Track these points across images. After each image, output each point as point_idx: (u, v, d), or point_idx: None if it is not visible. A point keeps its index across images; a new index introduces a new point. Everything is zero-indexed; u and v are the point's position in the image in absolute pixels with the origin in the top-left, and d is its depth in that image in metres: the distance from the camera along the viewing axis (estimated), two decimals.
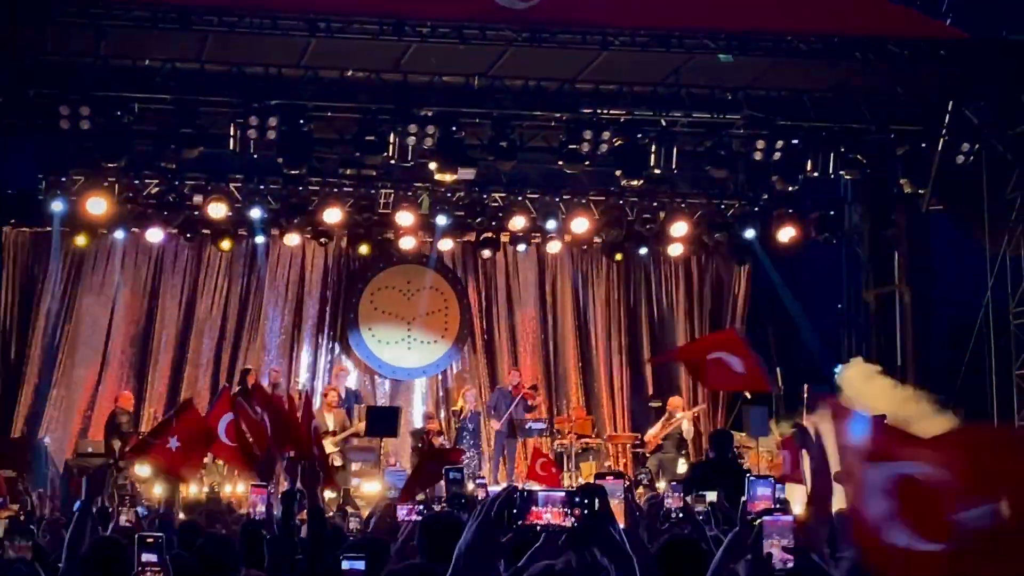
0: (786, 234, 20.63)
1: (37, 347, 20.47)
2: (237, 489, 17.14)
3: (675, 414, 19.52)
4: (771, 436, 18.71)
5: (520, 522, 3.64)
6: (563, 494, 3.67)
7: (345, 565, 5.62)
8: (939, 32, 18.54)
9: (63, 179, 19.38)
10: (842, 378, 18.75)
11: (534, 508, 3.65)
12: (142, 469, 17.30)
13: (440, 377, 22.14)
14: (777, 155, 19.14)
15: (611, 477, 4.27)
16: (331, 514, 10.37)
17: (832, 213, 21.20)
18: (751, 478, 5.93)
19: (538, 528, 3.68)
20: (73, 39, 17.31)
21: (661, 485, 15.78)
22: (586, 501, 3.66)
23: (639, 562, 3.82)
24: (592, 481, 4.51)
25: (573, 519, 3.66)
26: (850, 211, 21.79)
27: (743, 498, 5.69)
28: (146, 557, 5.38)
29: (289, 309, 21.57)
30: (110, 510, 9.95)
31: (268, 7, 17.10)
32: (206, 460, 16.30)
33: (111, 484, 15.64)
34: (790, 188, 19.84)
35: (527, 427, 19.97)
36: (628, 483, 9.42)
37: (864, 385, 17.95)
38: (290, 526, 7.57)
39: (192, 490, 16.10)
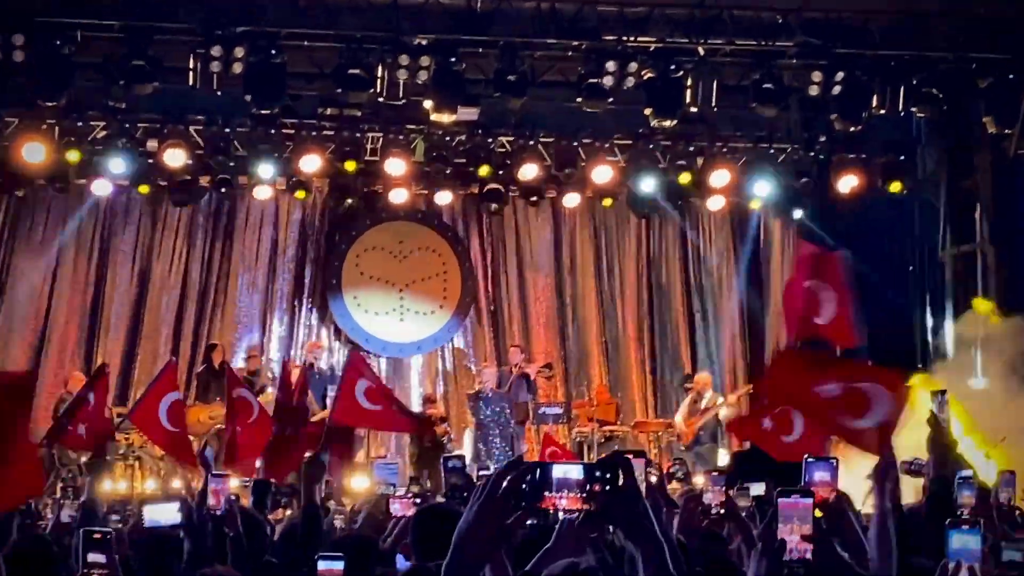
0: (847, 183, 20.55)
1: None
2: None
3: (704, 394, 19.55)
4: None
5: (531, 503, 3.60)
6: (581, 472, 3.62)
7: (321, 566, 5.62)
8: None
9: None
10: None
11: (547, 494, 3.61)
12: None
13: (440, 353, 22.21)
14: (836, 90, 19.01)
15: (630, 455, 4.24)
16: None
17: (902, 158, 21.10)
18: (809, 460, 5.90)
19: (550, 513, 3.65)
20: None
21: (699, 480, 15.81)
22: (608, 476, 3.62)
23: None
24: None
25: (592, 502, 3.63)
26: (924, 156, 21.67)
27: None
28: (92, 557, 5.31)
29: (261, 274, 21.64)
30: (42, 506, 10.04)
31: None
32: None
33: (53, 475, 15.74)
34: (852, 129, 19.69)
35: (540, 412, 19.96)
36: (648, 462, 9.45)
37: None
38: (258, 522, 7.64)
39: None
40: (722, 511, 8.14)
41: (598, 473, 3.62)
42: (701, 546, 6.50)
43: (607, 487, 3.61)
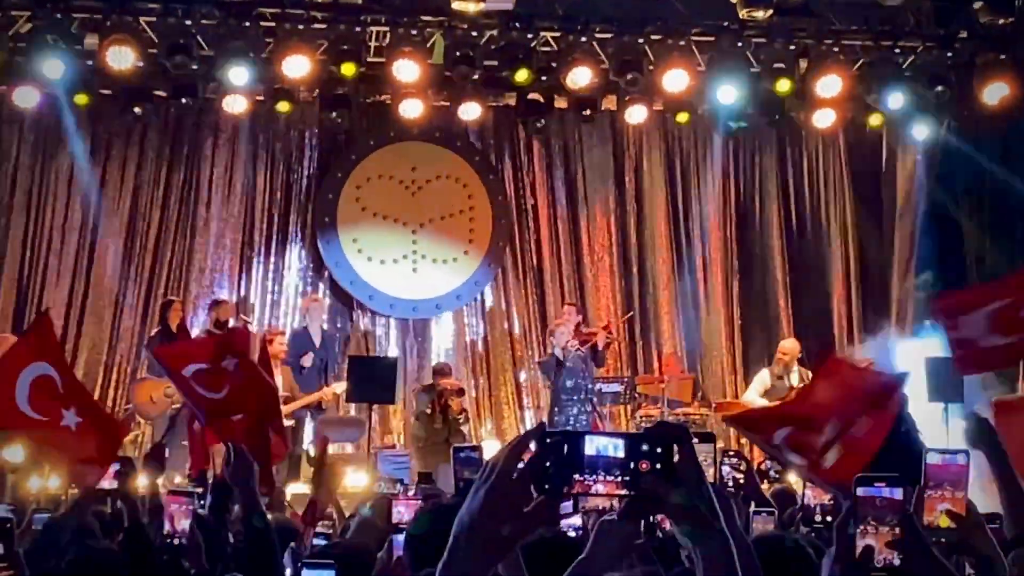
0: (995, 93, 20.39)
1: None
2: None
3: (792, 368, 19.52)
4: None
5: (556, 488, 3.36)
6: (623, 447, 3.37)
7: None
8: None
9: None
10: None
11: (577, 476, 3.38)
12: (12, 452, 17.42)
13: (465, 311, 22.31)
14: None
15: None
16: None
17: None
18: (929, 452, 5.81)
19: (582, 509, 3.52)
20: None
21: (792, 478, 15.74)
22: (659, 451, 3.39)
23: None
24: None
25: (636, 487, 3.40)
26: None
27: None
28: None
29: (232, 210, 21.65)
30: None
31: None
32: None
33: None
34: (1001, 22, 19.62)
35: (597, 389, 19.94)
36: (737, 454, 9.43)
37: None
38: (220, 538, 7.68)
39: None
40: (828, 517, 8.14)
41: (645, 447, 3.36)
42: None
43: (657, 466, 3.35)
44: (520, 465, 3.33)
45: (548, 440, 3.35)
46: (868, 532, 4.51)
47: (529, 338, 21.87)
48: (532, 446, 3.31)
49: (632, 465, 3.34)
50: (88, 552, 6.89)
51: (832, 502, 8.32)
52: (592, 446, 3.36)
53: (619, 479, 3.35)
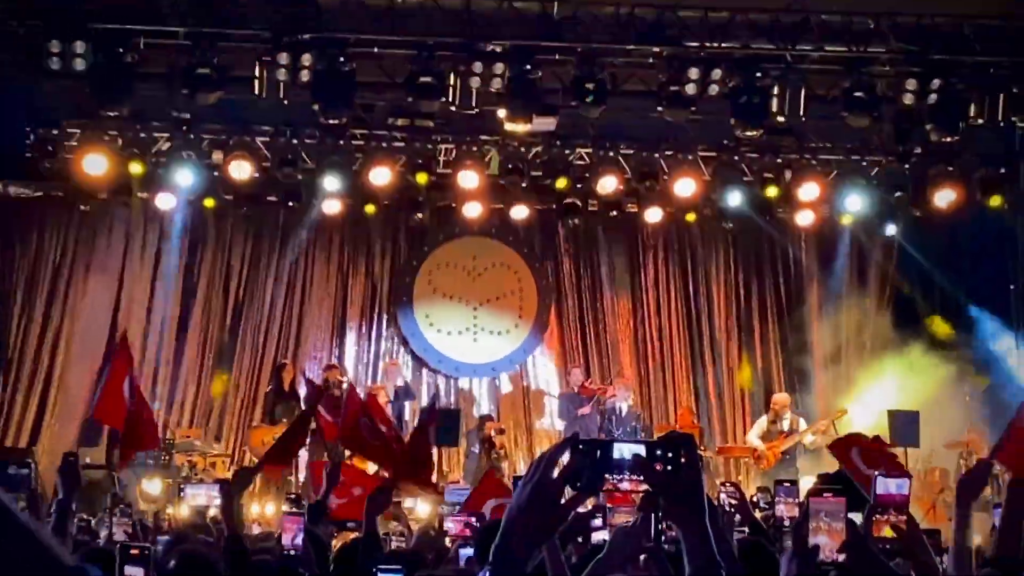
0: (944, 198, 20.29)
1: (24, 336, 20.79)
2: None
3: (783, 416, 19.41)
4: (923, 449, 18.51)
5: (589, 486, 3.53)
6: (643, 452, 3.53)
7: None
8: None
9: (55, 132, 19.52)
10: None
11: (607, 476, 3.54)
12: (151, 486, 17.46)
13: (515, 372, 22.25)
14: (932, 98, 18.77)
15: None
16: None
17: (1002, 171, 20.81)
18: (879, 475, 5.68)
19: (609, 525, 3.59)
20: None
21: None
22: (670, 455, 3.54)
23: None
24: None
25: (652, 483, 3.54)
26: None
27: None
28: (129, 571, 5.60)
29: (331, 291, 21.70)
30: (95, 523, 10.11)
31: None
32: None
33: (109, 498, 15.74)
34: (948, 140, 19.47)
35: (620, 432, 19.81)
36: (734, 486, 9.35)
37: None
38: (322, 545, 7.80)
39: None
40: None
41: (659, 452, 3.56)
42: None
43: (668, 467, 3.55)
44: (557, 469, 3.46)
45: (581, 447, 3.54)
46: (820, 531, 4.57)
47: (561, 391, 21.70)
48: (567, 455, 3.47)
49: (650, 465, 3.53)
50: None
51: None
52: (619, 451, 3.56)
53: (640, 477, 3.53)
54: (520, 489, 3.46)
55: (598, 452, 3.57)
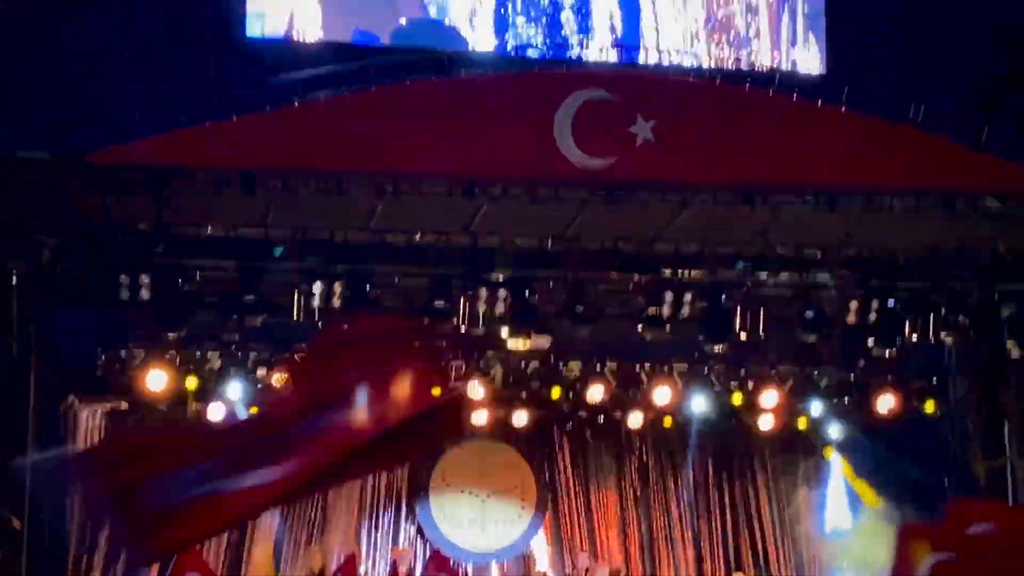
0: (885, 404, 20.17)
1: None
2: None
3: None
4: None
5: None
6: None
7: None
8: None
9: (122, 352, 19.42)
10: None
11: None
12: None
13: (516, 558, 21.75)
14: (873, 318, 18.80)
15: None
16: None
17: (936, 381, 20.70)
18: None
19: None
20: (136, 207, 17.45)
21: None
22: None
23: None
24: None
25: None
26: (955, 379, 21.23)
27: None
28: None
29: (355, 492, 21.31)
30: None
31: (334, 170, 17.16)
32: None
33: None
34: (888, 354, 19.45)
35: None
36: None
37: None
38: None
39: None
40: None
41: None
42: None
43: None
44: None
45: None
46: None
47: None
48: None
49: None
50: None
51: None
52: None
53: None
54: None
55: None
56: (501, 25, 21.44)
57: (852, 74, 20.37)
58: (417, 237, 18.36)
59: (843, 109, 17.96)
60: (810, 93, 18.78)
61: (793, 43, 22.33)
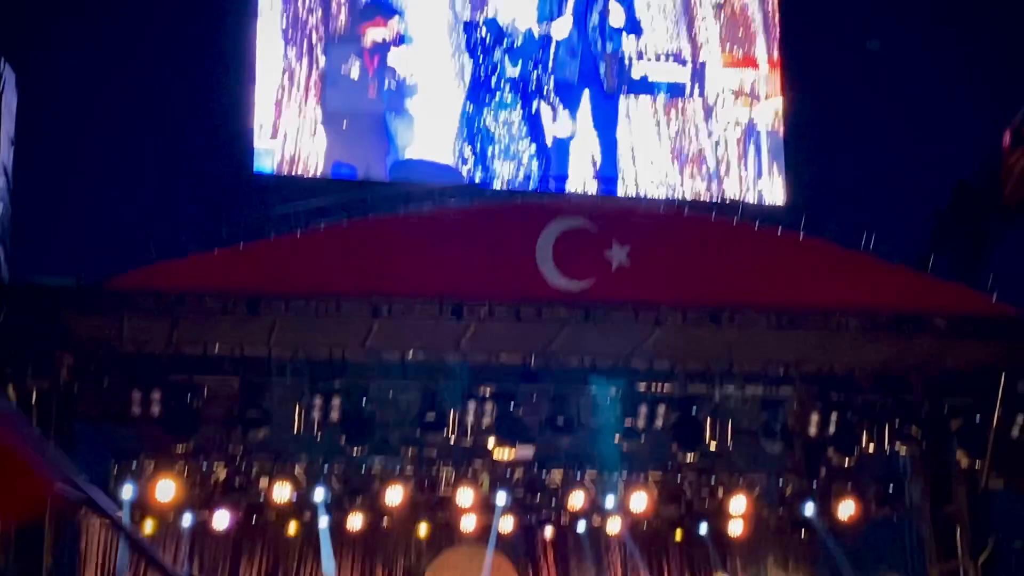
0: (845, 510, 20.28)
1: None
2: None
3: None
4: None
5: None
6: None
7: None
8: (986, 307, 18.59)
9: (133, 464, 19.48)
10: None
11: None
12: None
13: None
14: (832, 430, 19.01)
15: None
16: None
17: (891, 489, 20.82)
18: None
19: None
20: (147, 330, 17.69)
21: None
22: None
23: None
24: None
25: None
26: (910, 487, 21.37)
27: None
28: None
29: None
30: None
31: (333, 292, 17.45)
32: None
33: None
34: (847, 463, 19.59)
35: None
36: None
37: None
38: None
39: None
40: None
41: None
42: None
43: None
44: None
45: None
46: None
47: None
48: None
49: None
50: None
51: None
52: None
53: None
54: None
55: None
56: (487, 160, 21.98)
57: (811, 204, 20.91)
58: (410, 354, 18.60)
59: (802, 236, 18.38)
60: (773, 221, 19.21)
61: (759, 175, 22.86)
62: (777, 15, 23.47)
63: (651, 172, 22.45)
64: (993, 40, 21.13)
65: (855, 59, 22.96)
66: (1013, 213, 19.08)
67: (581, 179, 22.25)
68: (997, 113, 19.40)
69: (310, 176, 21.28)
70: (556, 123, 22.45)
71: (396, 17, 22.16)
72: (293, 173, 21.21)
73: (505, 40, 22.37)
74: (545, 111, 22.45)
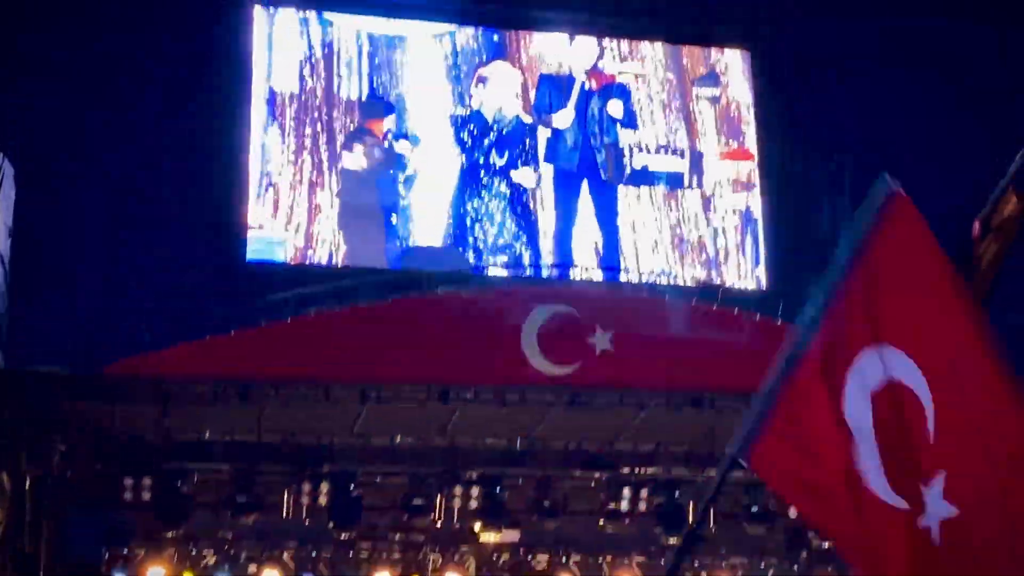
0: None
1: None
2: None
3: None
4: None
5: None
6: None
7: None
8: None
9: (124, 550, 19.51)
10: None
11: None
12: None
13: None
14: None
15: None
16: None
17: None
18: None
19: None
20: (139, 416, 17.87)
21: None
22: None
23: None
24: None
25: None
26: None
27: None
28: None
29: None
30: None
31: (321, 379, 17.70)
32: None
33: None
34: (828, 545, 19.62)
35: None
36: None
37: None
38: None
39: None
40: None
41: None
42: None
43: None
44: None
45: None
46: None
47: None
48: None
49: None
50: None
51: None
52: None
53: None
54: None
55: None
56: (480, 248, 22.26)
57: (788, 290, 21.19)
58: (397, 439, 18.80)
59: (779, 322, 18.68)
60: (761, 307, 19.52)
61: (756, 262, 23.20)
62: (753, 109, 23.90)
63: (653, 260, 22.70)
64: (966, 130, 21.49)
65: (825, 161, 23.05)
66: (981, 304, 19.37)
67: (584, 267, 22.45)
68: (973, 204, 19.75)
69: (300, 265, 21.43)
70: (550, 211, 22.67)
71: (392, 115, 22.53)
72: (284, 262, 21.38)
73: (493, 132, 22.73)
74: (540, 200, 22.71)
